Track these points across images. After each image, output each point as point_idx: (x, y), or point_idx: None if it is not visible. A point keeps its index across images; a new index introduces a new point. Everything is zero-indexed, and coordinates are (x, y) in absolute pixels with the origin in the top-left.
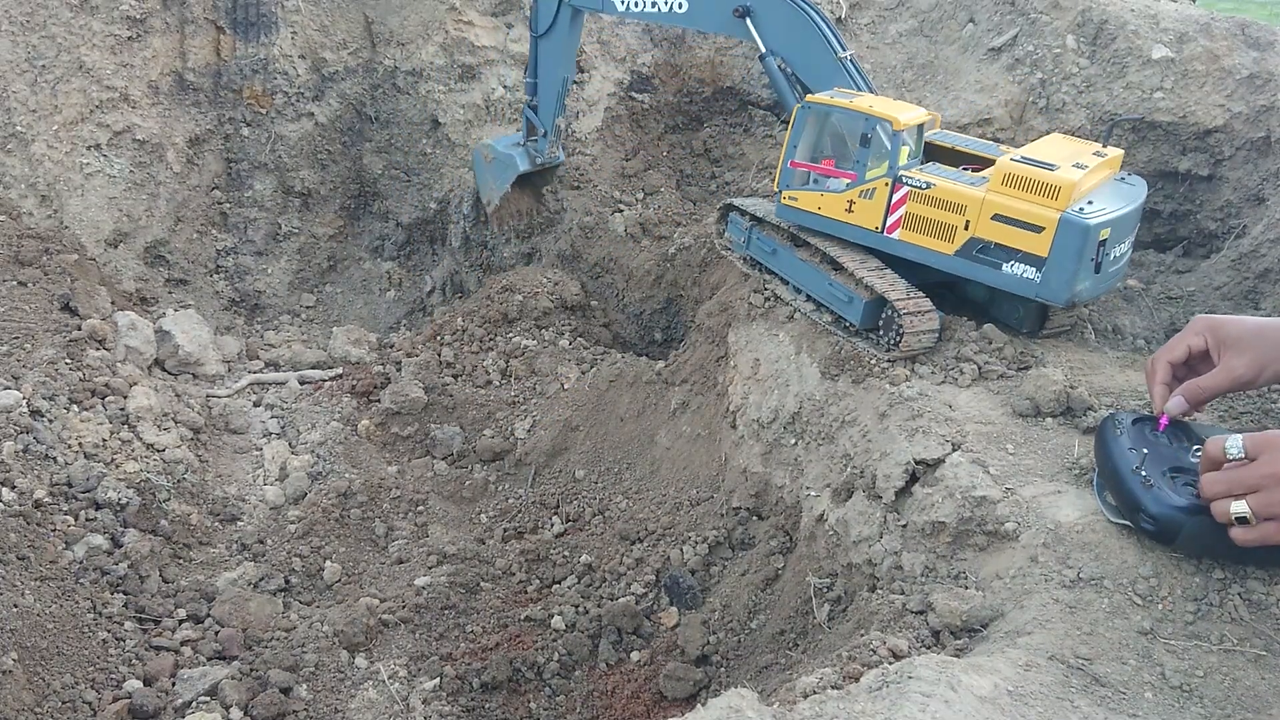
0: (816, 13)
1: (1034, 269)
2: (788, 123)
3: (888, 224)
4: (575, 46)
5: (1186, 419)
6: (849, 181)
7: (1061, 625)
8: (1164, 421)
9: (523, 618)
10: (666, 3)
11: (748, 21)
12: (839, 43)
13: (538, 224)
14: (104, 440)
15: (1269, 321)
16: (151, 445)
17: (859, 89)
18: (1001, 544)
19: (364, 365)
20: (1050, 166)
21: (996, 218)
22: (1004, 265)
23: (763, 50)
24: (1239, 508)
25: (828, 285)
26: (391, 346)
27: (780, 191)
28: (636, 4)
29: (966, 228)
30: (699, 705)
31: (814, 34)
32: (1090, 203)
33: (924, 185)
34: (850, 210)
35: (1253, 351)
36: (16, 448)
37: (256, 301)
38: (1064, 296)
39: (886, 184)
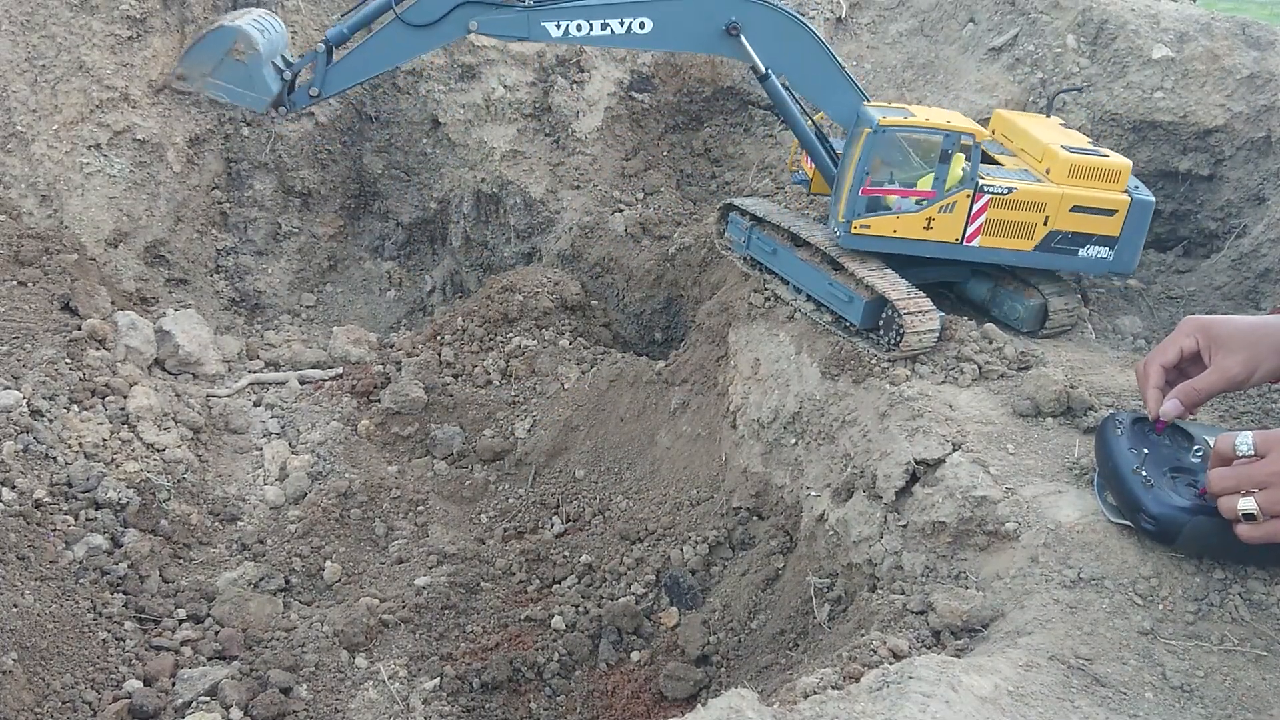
0: (808, 22)
1: (1107, 248)
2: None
3: (967, 233)
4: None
5: (1185, 419)
6: (928, 199)
7: (1062, 625)
8: (1160, 425)
9: (523, 618)
10: (623, 23)
11: (742, 39)
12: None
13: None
14: (104, 440)
15: (1259, 320)
16: (151, 445)
17: (865, 99)
18: (1002, 544)
19: (364, 365)
20: (1102, 154)
21: (1075, 209)
22: (1080, 250)
23: (762, 70)
24: (1246, 504)
25: (828, 285)
26: (391, 346)
27: (848, 222)
28: (579, 28)
29: (1045, 223)
30: (699, 705)
31: (814, 45)
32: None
33: (1006, 190)
34: (929, 227)
35: (1245, 351)
36: (16, 448)
37: (257, 301)
38: (1133, 267)
39: (967, 195)
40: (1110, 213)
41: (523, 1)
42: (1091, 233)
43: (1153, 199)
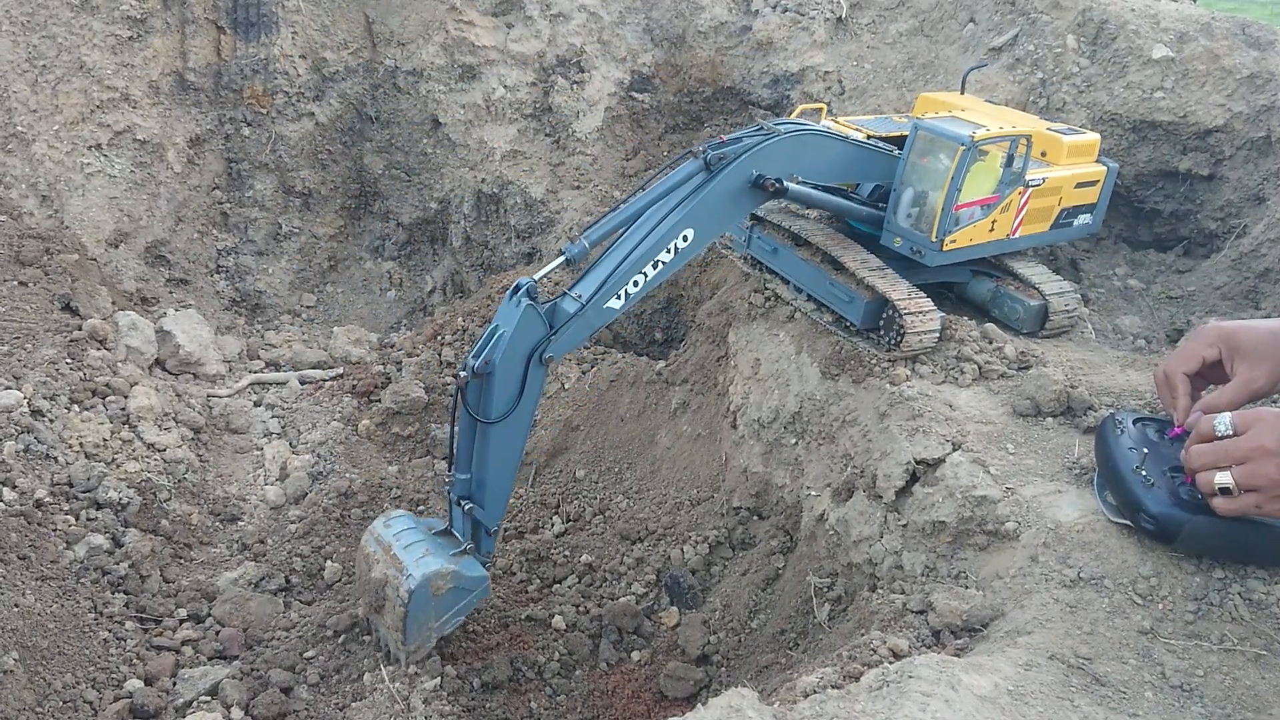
0: (798, 125)
1: (1089, 215)
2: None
3: (1014, 227)
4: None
5: None
6: (993, 203)
7: (1062, 625)
8: (1178, 430)
9: (523, 617)
10: (669, 251)
11: (781, 183)
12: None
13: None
14: (105, 440)
15: (1279, 326)
16: (152, 445)
17: (880, 148)
18: (1002, 544)
19: (364, 365)
20: (1082, 132)
21: (1079, 185)
22: (1074, 221)
23: (783, 187)
24: (1222, 478)
25: (828, 285)
26: (392, 346)
27: (940, 241)
28: (636, 284)
29: (1060, 203)
30: (699, 705)
31: (821, 140)
32: None
33: (1041, 181)
34: (993, 229)
35: (1269, 361)
36: (17, 448)
37: (257, 301)
38: (1099, 224)
39: (1021, 192)
40: (1094, 183)
41: (578, 300)
42: (1082, 203)
43: (1116, 164)
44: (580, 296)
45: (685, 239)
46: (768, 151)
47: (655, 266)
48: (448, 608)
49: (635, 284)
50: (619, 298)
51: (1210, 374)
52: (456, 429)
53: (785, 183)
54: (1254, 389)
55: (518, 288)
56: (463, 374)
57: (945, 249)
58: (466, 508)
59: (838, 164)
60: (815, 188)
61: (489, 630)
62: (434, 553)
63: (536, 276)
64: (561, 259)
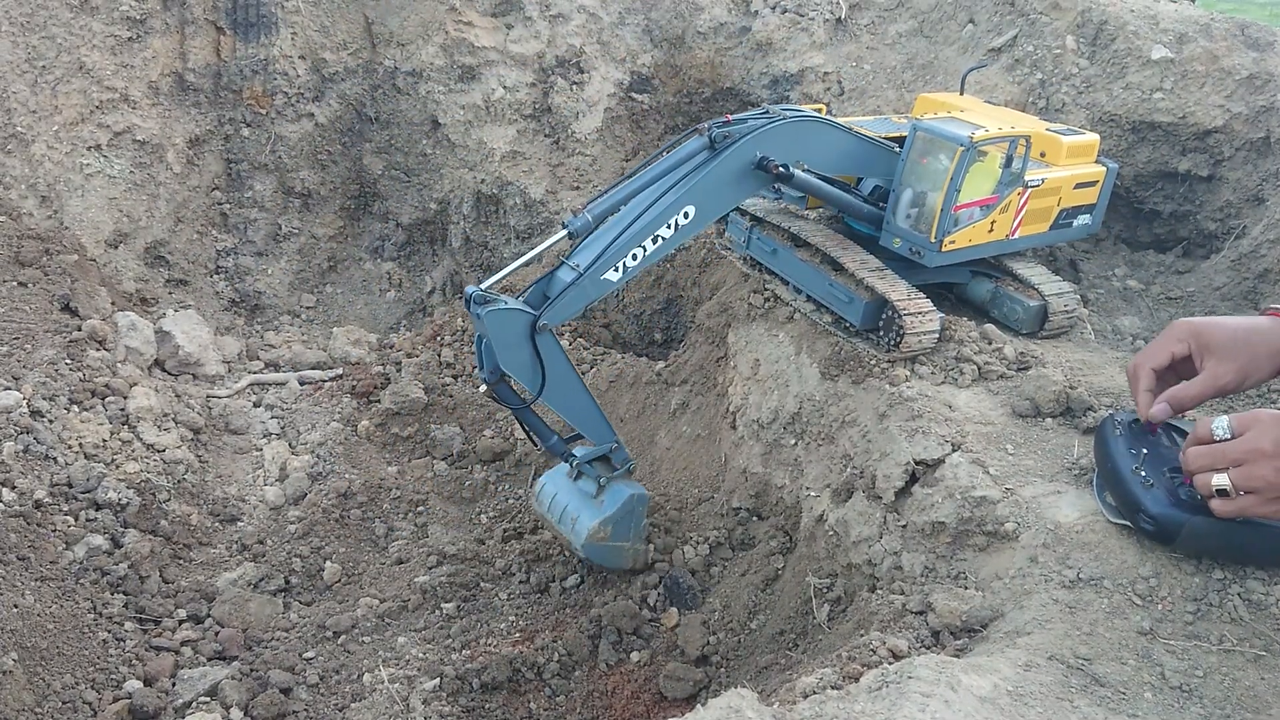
0: (803, 112)
1: (1089, 215)
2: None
3: (1013, 227)
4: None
5: (1183, 418)
6: (993, 204)
7: (1061, 625)
8: (1153, 427)
9: None
10: (669, 226)
11: (788, 168)
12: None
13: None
14: (104, 441)
15: (1251, 324)
16: (152, 445)
17: (883, 144)
18: (1001, 544)
19: (364, 365)
20: (1080, 132)
21: (1078, 185)
22: (1074, 221)
23: (788, 174)
24: (1219, 480)
25: (828, 285)
26: (391, 347)
27: (939, 241)
28: (635, 258)
29: (1059, 203)
30: (699, 705)
31: (825, 129)
32: None
33: (1040, 182)
34: (992, 230)
35: (1237, 359)
36: (17, 448)
37: (256, 302)
38: (1099, 225)
39: (1020, 193)
40: (1093, 184)
41: (575, 270)
42: (1082, 204)
43: (1116, 165)
44: (578, 266)
45: (686, 215)
46: (772, 134)
47: (655, 241)
48: (624, 534)
49: (634, 257)
50: (616, 270)
51: (1181, 369)
52: (521, 421)
53: (791, 169)
54: (1221, 385)
55: (468, 300)
56: (483, 389)
57: (944, 250)
58: (575, 463)
59: (841, 155)
60: (820, 179)
61: (491, 632)
62: (582, 509)
63: (483, 286)
64: (562, 233)
